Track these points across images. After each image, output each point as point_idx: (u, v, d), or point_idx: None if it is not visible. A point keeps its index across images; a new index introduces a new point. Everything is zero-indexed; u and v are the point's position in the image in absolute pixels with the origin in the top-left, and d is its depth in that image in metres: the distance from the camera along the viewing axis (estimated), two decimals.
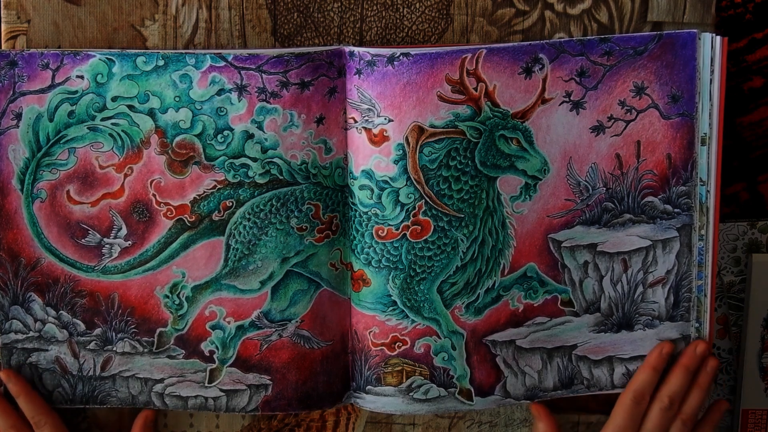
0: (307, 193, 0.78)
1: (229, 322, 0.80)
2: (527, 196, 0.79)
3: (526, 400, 0.83)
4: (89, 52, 0.77)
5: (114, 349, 0.81)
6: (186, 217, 0.79)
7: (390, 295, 0.79)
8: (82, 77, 0.77)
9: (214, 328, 0.80)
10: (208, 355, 0.81)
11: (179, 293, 0.80)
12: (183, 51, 0.77)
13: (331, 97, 0.77)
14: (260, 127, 0.77)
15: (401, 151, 0.77)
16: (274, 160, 0.78)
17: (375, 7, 0.81)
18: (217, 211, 0.79)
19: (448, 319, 0.80)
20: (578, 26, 0.81)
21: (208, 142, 0.77)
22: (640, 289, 0.82)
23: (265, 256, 0.79)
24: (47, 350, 0.81)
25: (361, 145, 0.78)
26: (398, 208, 0.78)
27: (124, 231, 0.79)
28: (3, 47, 0.80)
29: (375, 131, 0.77)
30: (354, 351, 0.82)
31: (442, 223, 0.78)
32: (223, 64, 0.76)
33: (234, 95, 0.77)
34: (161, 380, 0.81)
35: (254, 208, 0.78)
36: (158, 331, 0.80)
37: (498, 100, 0.77)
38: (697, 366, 0.81)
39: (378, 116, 0.77)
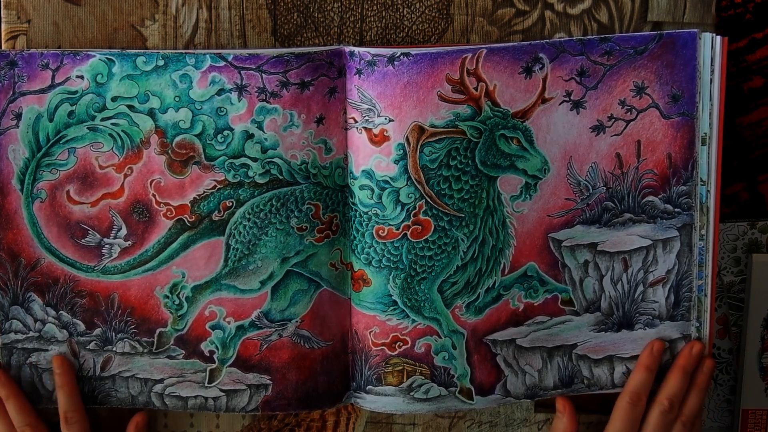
0: (307, 193, 0.78)
1: (229, 322, 0.80)
2: (527, 196, 0.79)
3: (527, 399, 0.83)
4: (89, 52, 0.77)
5: (114, 349, 0.81)
6: (186, 217, 0.79)
7: (390, 295, 0.79)
8: (82, 77, 0.77)
9: (214, 328, 0.80)
10: (208, 355, 0.81)
11: (179, 293, 0.80)
12: (183, 51, 0.77)
13: (331, 97, 0.77)
14: (260, 127, 0.77)
15: (402, 151, 0.77)
16: (274, 160, 0.78)
17: (375, 7, 0.81)
18: (217, 211, 0.78)
19: (448, 319, 0.80)
20: (578, 26, 0.81)
21: (208, 142, 0.77)
22: (641, 288, 0.81)
23: (265, 256, 0.79)
24: (47, 350, 0.81)
25: (361, 145, 0.77)
26: (399, 208, 0.78)
27: (123, 231, 0.79)
28: (3, 47, 0.80)
29: (375, 131, 0.77)
30: (354, 351, 0.82)
31: (442, 223, 0.78)
32: (223, 64, 0.76)
33: (234, 95, 0.77)
34: (161, 380, 0.81)
35: (254, 208, 0.78)
36: (158, 331, 0.80)
37: (498, 99, 0.77)
38: (694, 366, 0.81)
39: (378, 116, 0.77)
